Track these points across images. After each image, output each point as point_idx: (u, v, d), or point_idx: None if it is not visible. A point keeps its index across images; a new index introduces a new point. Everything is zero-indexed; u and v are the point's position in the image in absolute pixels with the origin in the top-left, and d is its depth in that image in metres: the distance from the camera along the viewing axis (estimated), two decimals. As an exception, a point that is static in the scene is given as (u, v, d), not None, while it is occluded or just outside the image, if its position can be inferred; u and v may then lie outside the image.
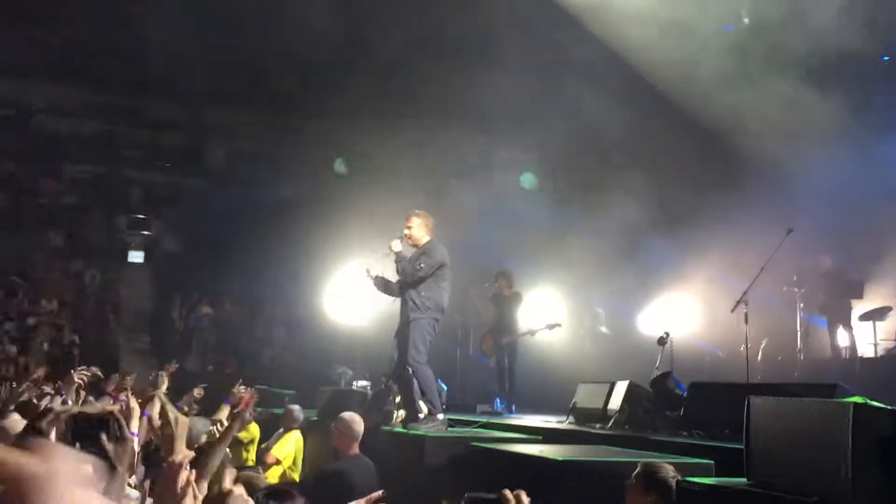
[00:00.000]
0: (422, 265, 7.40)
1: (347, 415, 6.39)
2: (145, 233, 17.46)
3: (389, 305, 12.06)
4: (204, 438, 5.33)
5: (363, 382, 9.98)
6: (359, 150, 14.81)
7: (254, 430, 8.30)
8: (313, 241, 12.87)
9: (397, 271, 7.52)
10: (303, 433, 8.12)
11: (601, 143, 13.14)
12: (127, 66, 15.41)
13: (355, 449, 6.20)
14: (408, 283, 7.40)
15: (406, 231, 7.55)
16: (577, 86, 12.21)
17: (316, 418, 8.54)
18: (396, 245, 7.51)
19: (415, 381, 7.18)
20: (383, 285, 7.85)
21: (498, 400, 10.55)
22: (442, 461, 6.12)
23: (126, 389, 5.92)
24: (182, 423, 2.49)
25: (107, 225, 17.39)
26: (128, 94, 16.72)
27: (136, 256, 17.21)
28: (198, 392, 7.60)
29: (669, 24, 11.13)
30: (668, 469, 3.69)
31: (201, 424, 5.72)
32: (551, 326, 11.01)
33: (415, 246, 7.58)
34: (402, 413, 7.62)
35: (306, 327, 14.57)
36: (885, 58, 12.09)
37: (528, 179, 14.62)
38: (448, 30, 12.16)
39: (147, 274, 17.06)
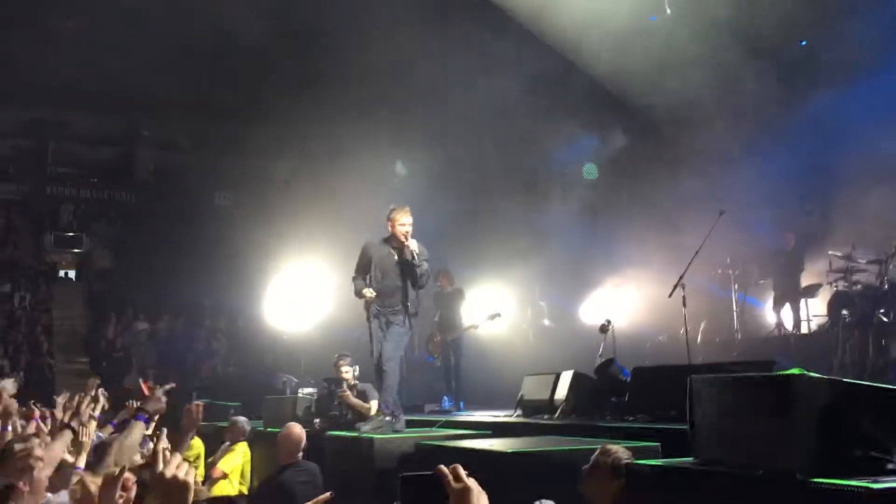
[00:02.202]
0: (426, 265, 7.26)
1: (288, 425, 6.42)
2: (76, 250, 16.99)
3: (333, 311, 12.04)
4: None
5: (308, 389, 9.87)
6: (296, 157, 14.65)
7: (198, 445, 8.13)
8: (251, 249, 12.69)
9: (421, 274, 7.17)
10: (250, 444, 8.00)
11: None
12: (53, 81, 14.93)
13: (297, 457, 6.20)
14: (422, 286, 7.27)
15: (411, 228, 7.22)
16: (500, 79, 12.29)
17: (262, 428, 8.42)
18: (415, 244, 7.19)
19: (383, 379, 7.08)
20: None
21: (446, 398, 10.54)
22: (392, 462, 6.07)
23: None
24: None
25: (35, 244, 16.87)
26: (56, 109, 16.22)
27: (67, 275, 16.72)
28: (92, 381, 7.04)
29: (597, 13, 11.30)
30: (626, 452, 3.74)
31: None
32: (492, 317, 11.03)
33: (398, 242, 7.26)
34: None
35: (248, 337, 14.36)
36: (803, 42, 12.46)
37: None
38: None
39: (79, 292, 16.59)
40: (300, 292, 12.18)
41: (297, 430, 6.40)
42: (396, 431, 6.81)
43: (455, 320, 11.00)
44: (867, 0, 11.35)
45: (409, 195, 11.92)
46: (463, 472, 1.94)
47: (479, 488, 1.93)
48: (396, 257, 7.28)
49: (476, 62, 11.99)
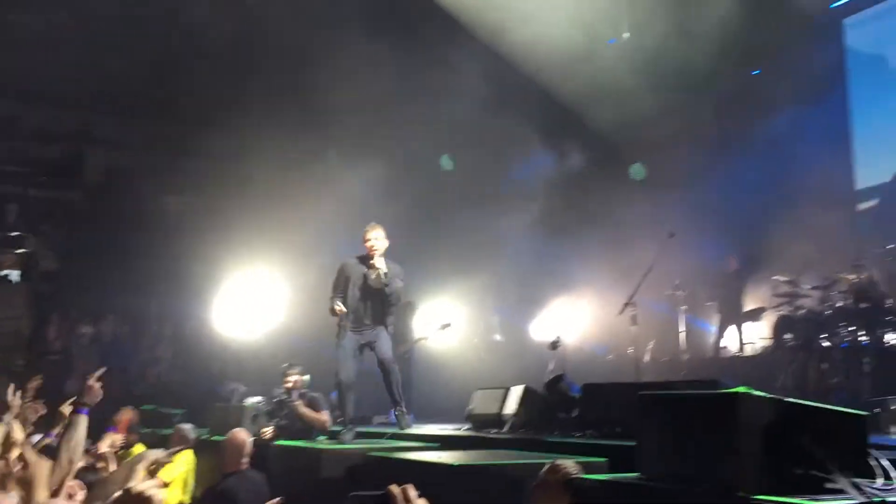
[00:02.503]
0: (400, 283, 7.45)
1: (233, 431, 6.31)
2: (20, 250, 16.55)
3: (285, 319, 11.92)
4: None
5: (256, 398, 9.75)
6: (250, 162, 14.46)
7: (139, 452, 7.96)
8: (201, 254, 12.50)
9: (389, 294, 7.38)
10: (195, 453, 7.86)
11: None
12: (2, 76, 14.55)
13: (243, 465, 6.12)
14: (393, 305, 7.51)
15: (378, 244, 7.40)
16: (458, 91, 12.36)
17: (208, 437, 8.29)
18: (384, 265, 7.36)
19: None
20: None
21: (394, 411, 10.50)
22: (338, 473, 6.03)
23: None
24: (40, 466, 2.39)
25: (-23, 244, 16.38)
26: (4, 105, 15.81)
27: (10, 276, 16.26)
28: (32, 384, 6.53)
29: (556, 33, 11.46)
30: (575, 466, 3.78)
31: None
32: (443, 327, 11.04)
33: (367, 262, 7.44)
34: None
35: (195, 343, 14.11)
36: (757, 72, 12.80)
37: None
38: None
39: (23, 293, 16.15)
40: (251, 299, 12.05)
41: (242, 437, 6.31)
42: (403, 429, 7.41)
43: (406, 333, 11.00)
44: (814, 31, 11.70)
45: (362, 204, 11.92)
46: (413, 494, 1.94)
47: None
48: (373, 276, 7.38)
49: (433, 74, 12.04)
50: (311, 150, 12.91)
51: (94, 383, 3.97)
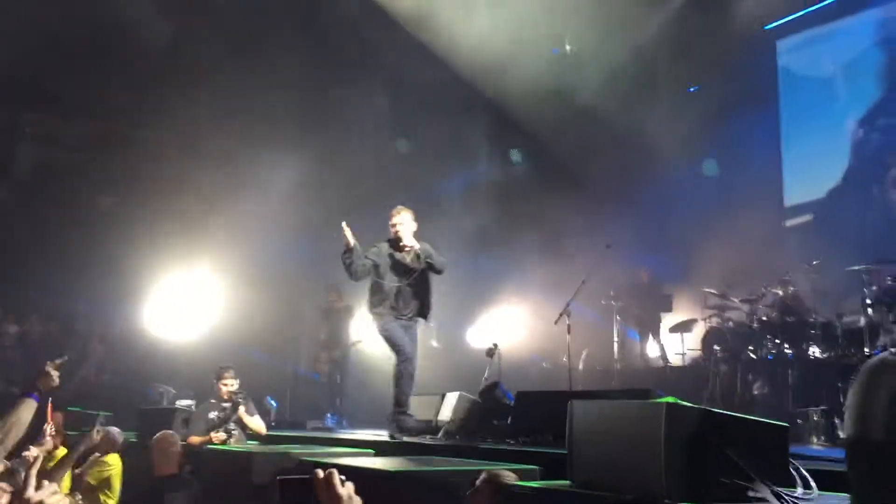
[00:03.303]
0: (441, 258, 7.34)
1: (162, 434, 6.19)
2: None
3: (220, 322, 11.73)
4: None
5: (187, 401, 9.58)
6: (185, 161, 14.18)
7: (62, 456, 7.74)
8: (134, 254, 12.21)
9: (432, 265, 7.29)
10: (122, 456, 7.68)
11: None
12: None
13: (174, 469, 6.00)
14: (439, 272, 7.39)
15: (403, 228, 7.31)
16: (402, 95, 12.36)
17: (135, 440, 8.10)
18: (413, 241, 7.28)
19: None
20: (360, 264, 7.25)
21: (329, 415, 10.44)
22: (271, 478, 5.95)
23: None
24: None
25: None
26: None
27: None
28: None
29: (498, 44, 11.56)
30: (510, 475, 3.81)
31: None
32: None
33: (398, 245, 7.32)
34: None
35: (125, 344, 13.77)
36: (693, 88, 13.13)
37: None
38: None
39: (-54, 291, 15.55)
40: (185, 301, 11.85)
41: (172, 439, 6.19)
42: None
43: (343, 337, 10.95)
44: (749, 50, 12.05)
45: (306, 207, 11.83)
46: (337, 480, 1.95)
47: (352, 495, 1.95)
48: (407, 259, 7.33)
49: (377, 79, 12.04)
50: (242, 149, 12.71)
51: (51, 370, 3.84)
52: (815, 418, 7.39)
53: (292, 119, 12.01)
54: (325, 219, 12.01)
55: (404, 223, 7.36)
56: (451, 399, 7.40)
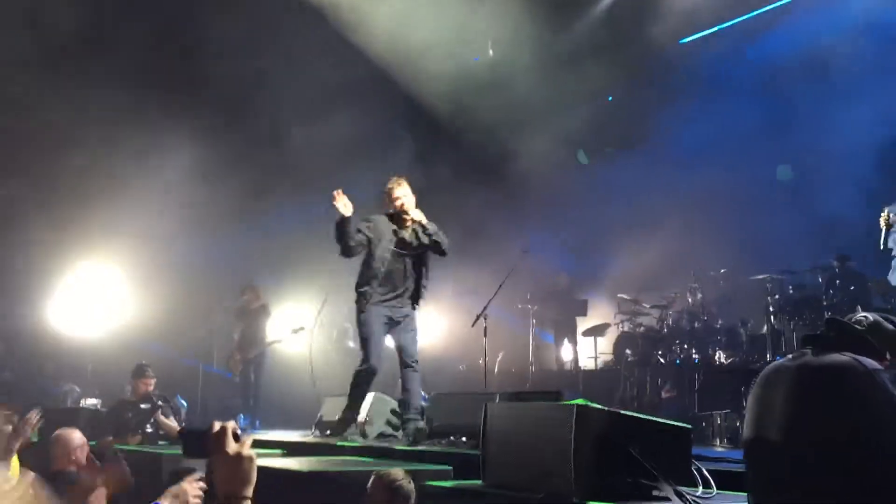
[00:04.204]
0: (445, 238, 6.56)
1: (62, 432, 5.96)
2: None
3: (129, 318, 11.37)
4: None
5: (92, 400, 9.28)
6: (89, 150, 13.65)
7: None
8: (35, 247, 11.72)
9: (438, 242, 6.53)
10: (21, 457, 7.37)
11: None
12: None
13: (72, 466, 5.80)
14: (444, 253, 6.63)
15: (408, 200, 6.57)
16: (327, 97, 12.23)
17: (36, 440, 7.78)
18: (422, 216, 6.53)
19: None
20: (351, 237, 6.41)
21: (242, 416, 10.27)
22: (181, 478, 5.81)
23: None
24: None
25: None
26: None
27: None
28: None
29: (423, 49, 11.59)
30: (401, 474, 3.81)
31: None
32: (296, 330, 10.93)
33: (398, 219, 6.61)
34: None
35: (27, 341, 13.21)
36: (610, 98, 13.43)
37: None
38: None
39: None
40: (91, 296, 11.47)
41: (77, 436, 5.93)
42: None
43: (259, 337, 10.81)
44: (666, 63, 12.40)
45: (221, 205, 11.59)
46: (231, 434, 1.98)
47: (242, 452, 1.96)
48: (408, 234, 6.59)
49: (299, 77, 11.88)
50: (143, 141, 12.33)
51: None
52: (719, 421, 7.68)
53: (199, 111, 11.68)
54: (236, 214, 11.80)
55: (407, 195, 6.60)
56: (368, 400, 7.37)
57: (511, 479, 3.36)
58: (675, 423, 3.43)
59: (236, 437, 1.99)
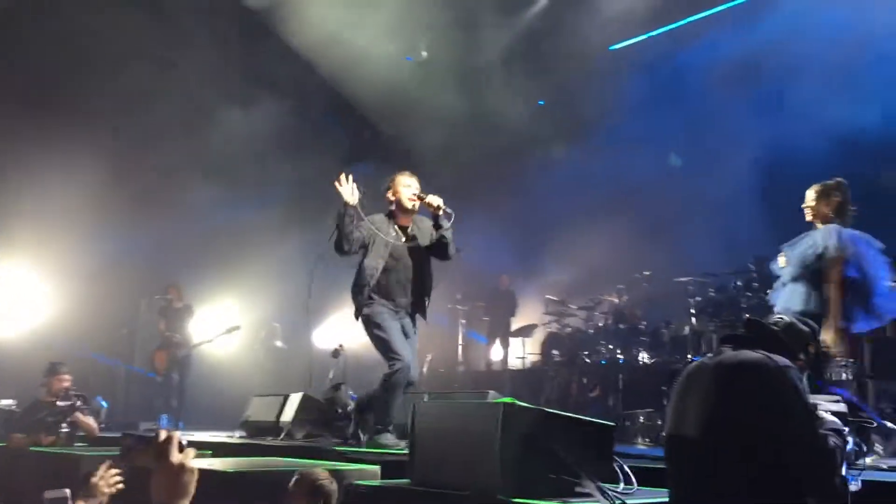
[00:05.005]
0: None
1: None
2: None
3: (49, 315, 10.99)
4: None
5: (7, 401, 8.94)
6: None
7: None
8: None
9: (446, 243, 5.70)
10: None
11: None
12: None
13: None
14: (448, 256, 5.78)
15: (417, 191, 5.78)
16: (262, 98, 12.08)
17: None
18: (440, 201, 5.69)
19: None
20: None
21: (164, 416, 10.06)
22: (100, 482, 5.67)
23: None
24: None
25: None
26: None
27: None
28: None
29: (353, 48, 11.55)
30: (323, 473, 3.79)
31: None
32: (230, 330, 10.75)
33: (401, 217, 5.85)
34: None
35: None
36: (541, 102, 13.62)
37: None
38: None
39: None
40: (4, 295, 11.09)
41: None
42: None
43: (182, 336, 10.63)
44: (595, 69, 12.63)
45: (140, 201, 11.31)
46: (176, 444, 1.94)
47: (186, 463, 1.95)
48: (405, 238, 5.80)
49: (200, 67, 11.69)
50: (71, 136, 11.97)
51: None
52: (641, 419, 7.87)
53: (109, 100, 11.33)
54: (157, 211, 11.51)
55: (413, 185, 5.90)
56: (295, 400, 7.31)
57: (438, 478, 3.38)
58: (599, 422, 3.51)
59: (181, 448, 1.96)
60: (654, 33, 12.46)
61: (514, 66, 12.49)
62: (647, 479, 3.51)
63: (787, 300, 5.30)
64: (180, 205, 11.62)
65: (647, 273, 10.11)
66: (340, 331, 11.57)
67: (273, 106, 11.81)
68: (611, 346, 9.46)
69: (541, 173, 12.45)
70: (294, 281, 11.93)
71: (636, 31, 12.39)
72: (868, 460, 4.07)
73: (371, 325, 5.69)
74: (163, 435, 1.95)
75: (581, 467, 3.11)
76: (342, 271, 11.69)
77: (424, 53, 13.08)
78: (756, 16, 10.77)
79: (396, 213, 5.86)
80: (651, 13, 11.75)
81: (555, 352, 10.10)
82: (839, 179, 5.45)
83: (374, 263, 5.68)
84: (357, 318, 5.83)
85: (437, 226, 5.71)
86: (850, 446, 2.96)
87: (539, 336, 11.43)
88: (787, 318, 3.28)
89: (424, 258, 5.83)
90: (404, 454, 3.82)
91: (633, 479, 3.37)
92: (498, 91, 12.43)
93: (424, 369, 11.42)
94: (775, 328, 3.19)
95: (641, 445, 7.45)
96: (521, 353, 12.19)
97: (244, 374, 11.61)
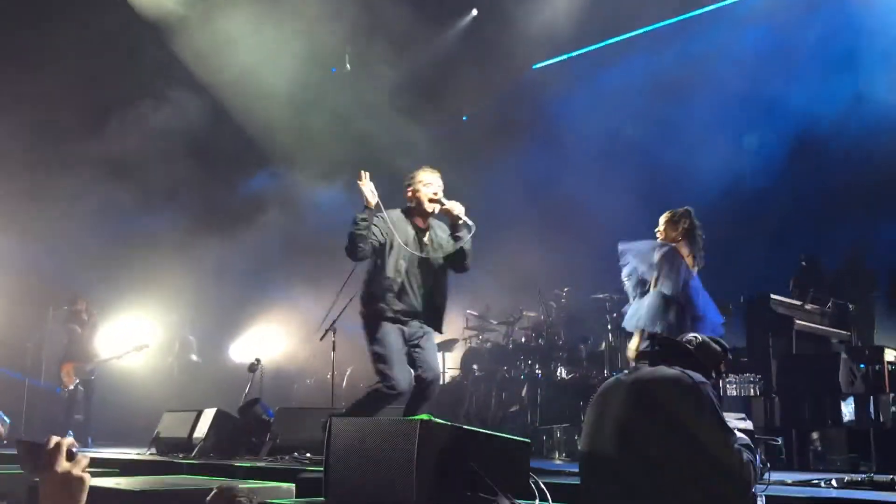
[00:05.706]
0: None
1: None
2: None
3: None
4: None
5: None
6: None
7: None
8: None
9: (465, 253, 5.30)
10: None
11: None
12: None
13: None
14: (466, 268, 5.39)
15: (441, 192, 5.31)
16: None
17: None
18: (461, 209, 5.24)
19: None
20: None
21: (71, 433, 9.67)
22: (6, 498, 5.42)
23: None
24: None
25: None
26: None
27: None
28: None
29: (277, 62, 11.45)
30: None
31: None
32: (139, 348, 10.46)
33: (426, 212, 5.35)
34: None
35: None
36: (465, 118, 13.72)
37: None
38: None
39: None
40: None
41: None
42: None
43: (90, 350, 10.28)
44: (519, 86, 12.81)
45: (46, 209, 10.90)
46: (64, 452, 1.84)
47: (74, 472, 1.85)
48: (425, 240, 5.33)
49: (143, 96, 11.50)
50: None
51: None
52: (558, 434, 7.95)
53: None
54: (63, 219, 11.11)
55: (436, 182, 5.39)
56: (209, 415, 7.13)
57: (354, 495, 3.33)
58: (516, 438, 3.51)
59: (71, 456, 1.85)
60: (578, 52, 12.74)
61: (438, 80, 12.57)
62: (563, 495, 3.53)
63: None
64: (86, 212, 11.23)
65: (567, 289, 10.23)
66: (258, 344, 11.39)
67: (185, 104, 11.61)
68: (529, 362, 9.52)
69: (463, 189, 12.49)
70: (214, 294, 11.69)
71: (561, 49, 12.64)
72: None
73: (373, 341, 5.33)
74: (52, 441, 1.85)
75: (497, 484, 3.11)
76: (257, 287, 11.51)
77: (349, 66, 13.05)
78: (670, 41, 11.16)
79: (414, 212, 5.37)
80: (576, 32, 12.03)
81: (474, 366, 10.11)
82: (687, 208, 6.04)
83: (392, 274, 5.22)
84: (364, 326, 5.47)
85: (456, 236, 5.34)
86: (757, 462, 3.05)
87: (459, 351, 11.43)
88: (700, 338, 3.37)
89: (440, 268, 5.40)
90: (320, 472, 3.74)
91: (548, 496, 3.38)
92: (420, 105, 12.48)
93: (344, 383, 11.32)
94: (689, 346, 3.28)
95: (559, 460, 7.52)
96: (441, 367, 12.16)
97: (156, 389, 11.28)
